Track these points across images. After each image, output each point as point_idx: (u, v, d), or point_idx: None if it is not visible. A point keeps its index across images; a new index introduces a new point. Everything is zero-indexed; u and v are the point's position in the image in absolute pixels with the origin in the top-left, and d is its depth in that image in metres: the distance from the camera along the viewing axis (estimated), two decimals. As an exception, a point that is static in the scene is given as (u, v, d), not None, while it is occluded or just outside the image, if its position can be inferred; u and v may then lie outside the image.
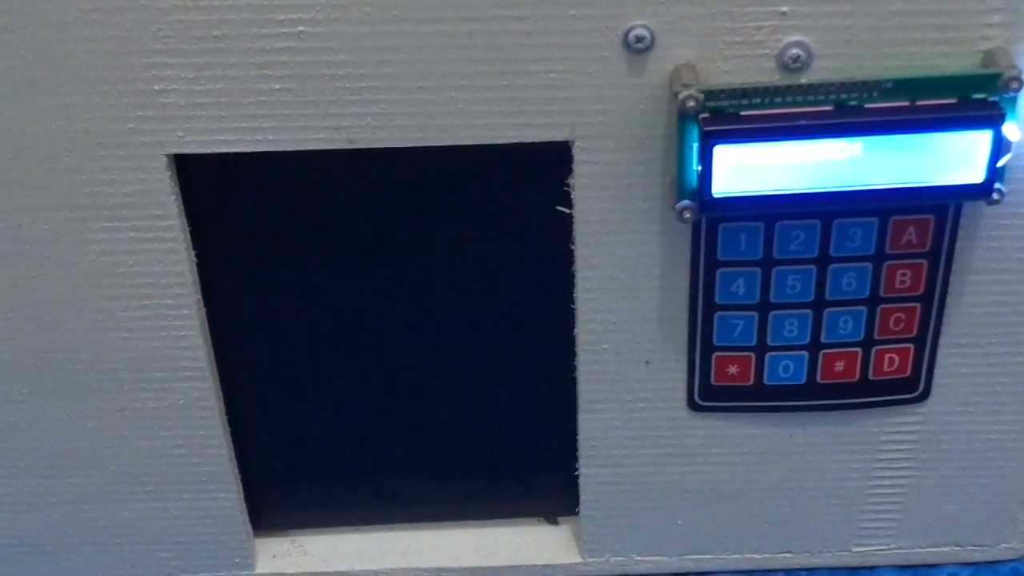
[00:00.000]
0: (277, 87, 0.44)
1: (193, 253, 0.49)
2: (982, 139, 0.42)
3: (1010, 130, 0.43)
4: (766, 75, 0.44)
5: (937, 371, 0.51)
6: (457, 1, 0.42)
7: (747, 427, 0.53)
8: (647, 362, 0.51)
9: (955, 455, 0.54)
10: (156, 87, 0.44)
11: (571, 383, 0.52)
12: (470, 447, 0.57)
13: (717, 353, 0.50)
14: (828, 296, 0.49)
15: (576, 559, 0.58)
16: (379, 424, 0.56)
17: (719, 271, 0.48)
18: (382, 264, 0.51)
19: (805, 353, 0.50)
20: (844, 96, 0.43)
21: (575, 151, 0.46)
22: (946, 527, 0.57)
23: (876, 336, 0.50)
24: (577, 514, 0.57)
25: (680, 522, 0.56)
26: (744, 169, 0.43)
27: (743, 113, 0.43)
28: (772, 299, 0.49)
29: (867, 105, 0.43)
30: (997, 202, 0.44)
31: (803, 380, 0.51)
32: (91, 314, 0.50)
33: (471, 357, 0.54)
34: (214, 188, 0.48)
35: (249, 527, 0.57)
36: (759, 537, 0.57)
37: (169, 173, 0.46)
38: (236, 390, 0.54)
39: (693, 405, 0.52)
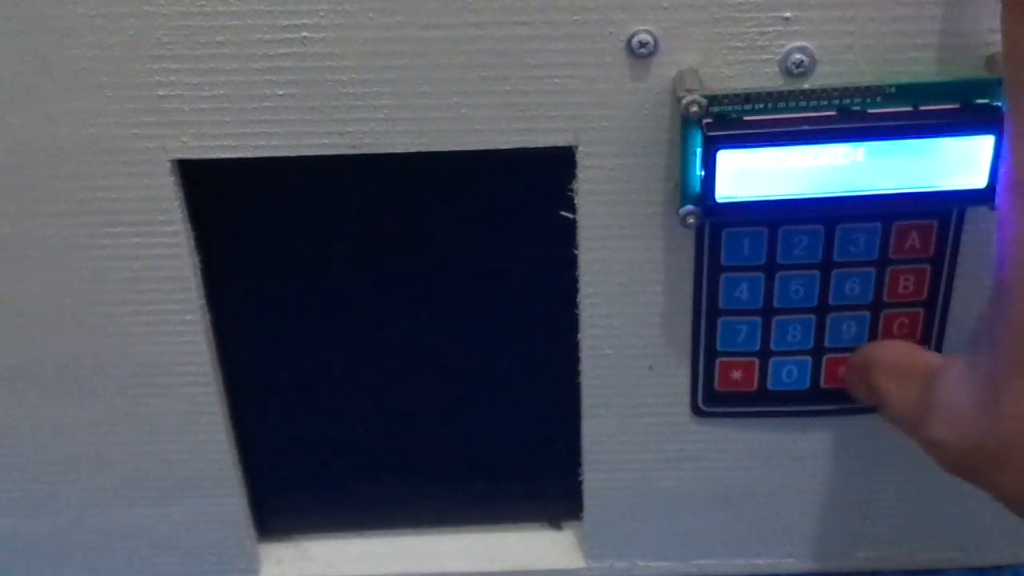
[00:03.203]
0: (281, 92, 0.44)
1: (197, 258, 0.49)
2: (985, 144, 0.42)
3: (1013, 135, 0.43)
4: (769, 80, 0.44)
5: (941, 376, 0.51)
6: (460, 6, 0.43)
7: (750, 432, 0.53)
8: (650, 367, 0.51)
9: (959, 460, 0.54)
10: (160, 92, 0.44)
11: (574, 388, 0.52)
12: (474, 452, 0.57)
13: (720, 358, 0.50)
14: (831, 301, 0.49)
15: (580, 564, 0.58)
16: (383, 429, 0.56)
17: (723, 276, 0.48)
18: (386, 269, 0.51)
19: (808, 358, 0.50)
20: (847, 101, 0.43)
21: (578, 156, 0.46)
22: (950, 532, 0.57)
23: (879, 341, 0.50)
24: (581, 519, 0.57)
25: (684, 527, 0.56)
26: (747, 174, 0.43)
27: (746, 118, 0.43)
28: (775, 304, 0.49)
29: (870, 110, 0.43)
30: (1000, 207, 0.44)
31: (806, 385, 0.51)
32: (95, 319, 0.50)
33: (475, 362, 0.54)
34: (218, 193, 0.49)
35: (253, 532, 0.58)
36: (763, 542, 0.57)
37: (173, 178, 0.46)
38: (240, 395, 0.54)
39: (696, 410, 0.52)
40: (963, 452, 0.40)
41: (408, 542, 0.59)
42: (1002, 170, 0.38)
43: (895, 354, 0.47)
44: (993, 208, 0.44)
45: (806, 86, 0.44)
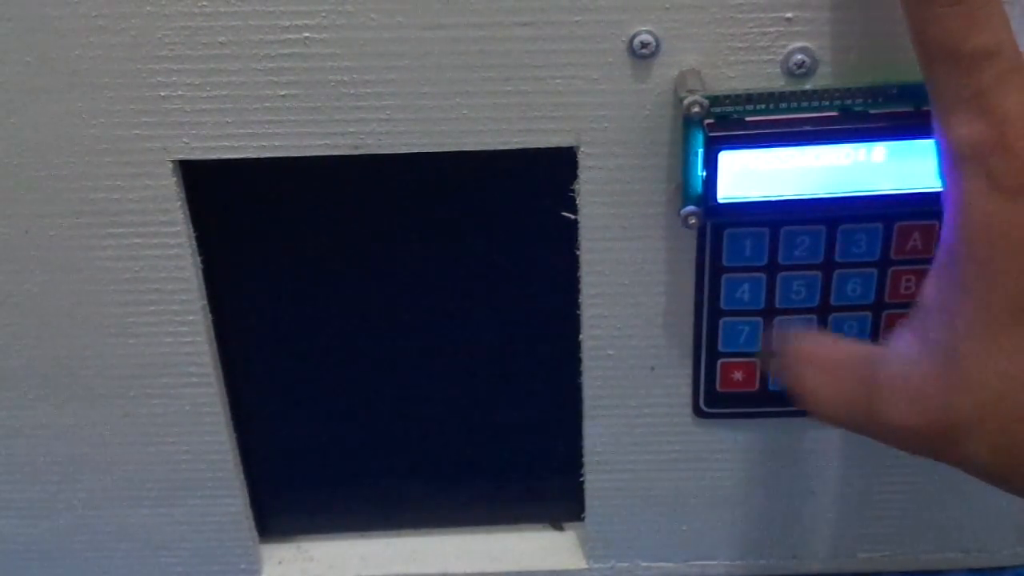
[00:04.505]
0: (283, 93, 0.44)
1: (199, 259, 0.49)
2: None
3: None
4: (771, 81, 0.44)
5: (942, 377, 0.51)
6: (462, 7, 0.43)
7: (752, 433, 0.53)
8: (652, 368, 0.51)
9: (961, 461, 0.54)
10: (162, 93, 0.44)
11: (576, 389, 0.52)
12: (475, 453, 0.57)
13: (722, 359, 0.50)
14: (833, 302, 0.49)
15: (581, 565, 0.58)
16: (384, 430, 0.56)
17: (724, 277, 0.48)
18: (387, 270, 0.51)
19: (810, 358, 0.50)
20: (849, 102, 0.43)
21: (580, 156, 0.46)
22: (951, 533, 0.57)
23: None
24: (582, 520, 0.57)
25: (685, 528, 0.56)
26: (749, 175, 0.43)
27: (748, 119, 0.43)
28: (777, 305, 0.49)
29: (872, 111, 0.43)
30: (1002, 208, 0.44)
31: (808, 385, 0.51)
32: (97, 320, 0.50)
33: (476, 363, 0.54)
34: (220, 194, 0.49)
35: (255, 533, 0.57)
36: (764, 543, 0.57)
37: (175, 179, 0.47)
38: (242, 396, 0.54)
39: (698, 411, 0.52)
40: (928, 429, 0.40)
41: (409, 543, 0.59)
42: (936, 146, 0.38)
43: (819, 348, 0.46)
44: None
45: (808, 87, 0.44)
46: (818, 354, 0.45)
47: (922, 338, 0.40)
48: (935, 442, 0.40)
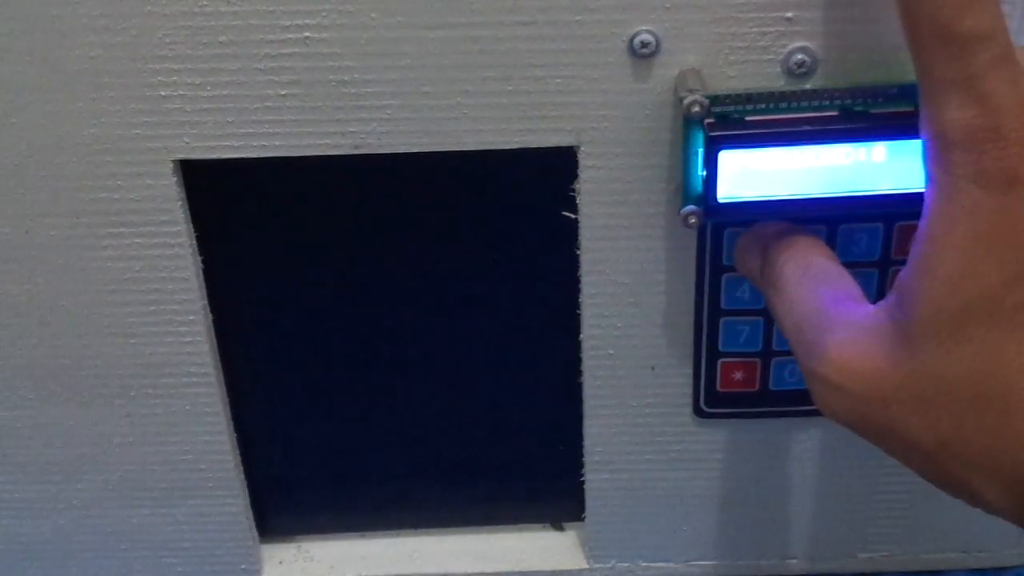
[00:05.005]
0: (283, 93, 0.44)
1: (199, 259, 0.49)
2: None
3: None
4: (771, 81, 0.44)
5: (943, 377, 0.51)
6: (463, 7, 0.43)
7: (752, 433, 0.53)
8: (652, 368, 0.51)
9: (961, 461, 0.54)
10: (162, 93, 0.44)
11: (577, 389, 0.52)
12: (476, 453, 0.57)
13: (722, 359, 0.50)
14: (833, 301, 0.49)
15: (582, 565, 0.58)
16: (385, 430, 0.56)
17: (724, 276, 0.48)
18: (387, 270, 0.51)
19: (810, 358, 0.50)
20: (849, 102, 0.43)
21: (580, 156, 0.46)
22: (952, 533, 0.57)
23: (881, 342, 0.50)
24: (583, 520, 0.57)
25: (686, 528, 0.56)
26: (749, 174, 0.43)
27: (748, 118, 0.43)
28: (777, 304, 0.49)
29: (872, 110, 0.43)
30: (1002, 207, 0.44)
31: (808, 385, 0.51)
32: (97, 320, 0.50)
33: (476, 363, 0.54)
34: (220, 193, 0.49)
35: (255, 533, 0.57)
36: (765, 543, 0.57)
37: (175, 179, 0.47)
38: (242, 396, 0.54)
39: (698, 411, 0.52)
40: (876, 403, 0.39)
41: (409, 543, 0.59)
42: (923, 132, 0.38)
43: (812, 249, 0.44)
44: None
45: (808, 86, 0.44)
46: (810, 252, 0.43)
47: (887, 313, 0.39)
48: (876, 421, 0.40)
